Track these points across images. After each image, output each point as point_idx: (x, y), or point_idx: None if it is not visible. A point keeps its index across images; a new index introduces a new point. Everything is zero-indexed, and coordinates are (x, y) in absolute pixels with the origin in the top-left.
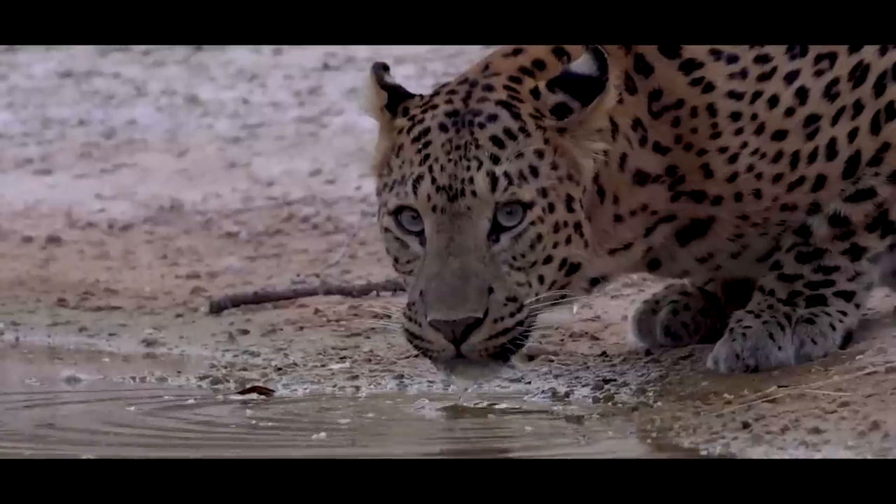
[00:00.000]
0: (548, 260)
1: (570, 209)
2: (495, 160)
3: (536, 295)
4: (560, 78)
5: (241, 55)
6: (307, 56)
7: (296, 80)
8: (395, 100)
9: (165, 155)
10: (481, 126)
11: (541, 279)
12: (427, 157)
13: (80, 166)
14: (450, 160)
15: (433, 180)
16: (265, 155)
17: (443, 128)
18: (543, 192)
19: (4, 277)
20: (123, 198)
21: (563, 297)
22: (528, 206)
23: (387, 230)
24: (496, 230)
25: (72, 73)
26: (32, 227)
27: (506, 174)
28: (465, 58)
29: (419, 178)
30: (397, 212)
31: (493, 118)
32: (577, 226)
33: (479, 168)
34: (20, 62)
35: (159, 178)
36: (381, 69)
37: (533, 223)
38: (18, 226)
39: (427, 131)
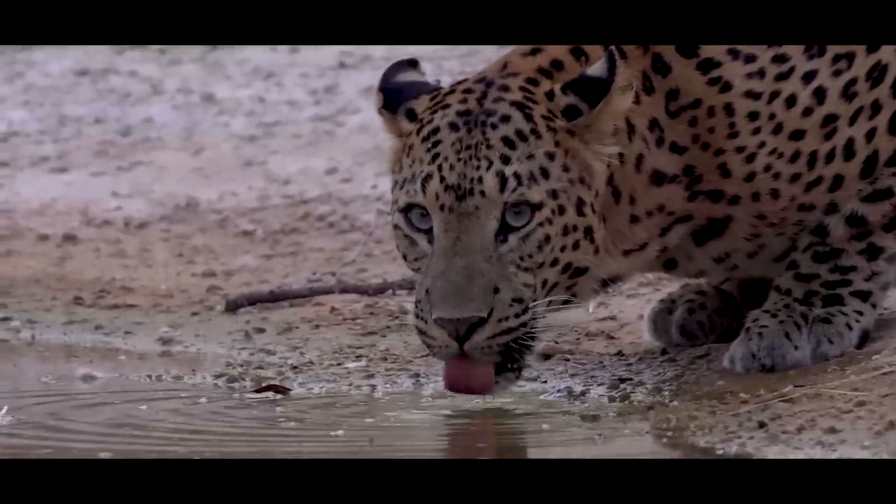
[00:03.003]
0: (553, 262)
1: (581, 213)
2: (505, 160)
3: (537, 298)
4: (574, 81)
5: (257, 54)
6: (323, 54)
7: (312, 78)
8: (396, 100)
9: (181, 153)
10: (493, 126)
11: (545, 282)
12: (437, 155)
13: (97, 164)
14: (459, 159)
15: (442, 179)
16: (281, 153)
17: (453, 127)
18: (554, 194)
19: (21, 275)
20: (139, 196)
21: (567, 301)
22: (536, 206)
23: (397, 227)
24: (504, 230)
25: (88, 71)
26: (48, 225)
27: (515, 174)
28: (481, 56)
29: (428, 176)
30: (407, 209)
31: (505, 119)
32: (588, 231)
33: (488, 168)
34: (36, 60)
35: (175, 176)
36: (400, 67)
37: (541, 224)
38: (35, 224)
39: (437, 130)
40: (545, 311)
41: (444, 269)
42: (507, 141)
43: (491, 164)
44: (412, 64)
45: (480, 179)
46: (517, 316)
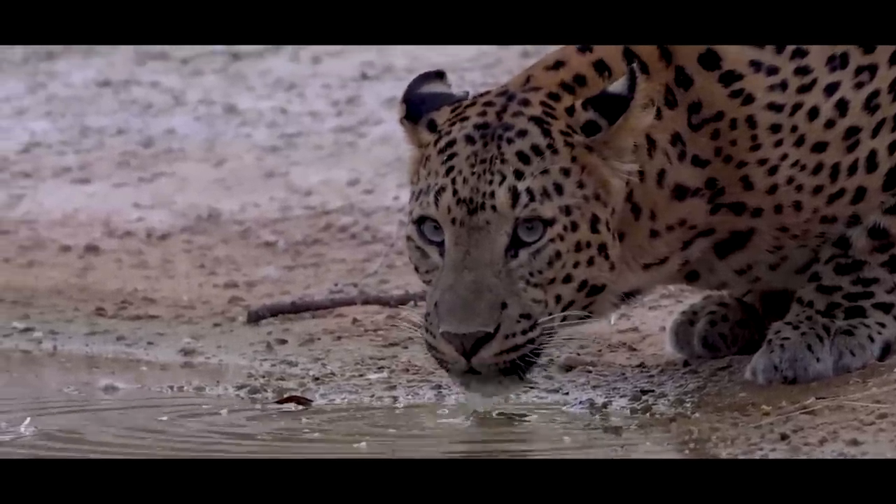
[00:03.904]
0: (567, 279)
1: (595, 230)
2: (519, 175)
3: (550, 314)
4: (595, 97)
5: (279, 64)
6: (345, 65)
7: (334, 89)
8: (418, 111)
9: (203, 164)
10: (510, 141)
11: (558, 298)
12: (451, 168)
13: (119, 175)
14: (473, 173)
15: (455, 192)
16: (303, 164)
17: (470, 140)
18: (567, 210)
19: (43, 286)
20: (161, 207)
21: (586, 317)
22: (549, 222)
23: (409, 239)
24: (515, 245)
25: (110, 82)
26: (71, 235)
27: (528, 190)
28: (503, 67)
29: (441, 189)
30: (420, 221)
31: (522, 134)
32: (602, 247)
33: (501, 183)
34: (59, 70)
35: (197, 187)
36: (426, 79)
37: (552, 240)
38: (57, 234)
39: (453, 143)
40: (559, 326)
41: (452, 282)
42: (521, 156)
43: (504, 178)
44: (439, 75)
45: (493, 194)
46: (524, 332)
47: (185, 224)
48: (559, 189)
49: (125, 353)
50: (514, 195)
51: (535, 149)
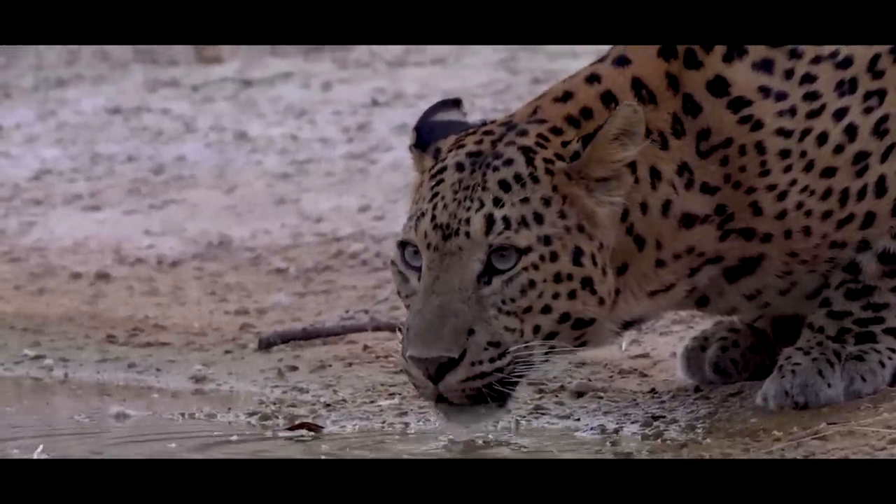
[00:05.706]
0: (545, 310)
1: (578, 262)
2: (497, 203)
3: (526, 343)
4: (592, 131)
5: (290, 91)
6: (356, 92)
7: (344, 116)
8: (428, 139)
9: (214, 191)
10: (495, 169)
11: (536, 328)
12: (436, 194)
13: (129, 202)
14: (454, 199)
15: (433, 217)
16: (314, 191)
17: (459, 167)
18: (546, 240)
19: (53, 313)
20: (172, 234)
21: (571, 350)
22: (523, 251)
23: (393, 263)
24: (489, 272)
25: (120, 109)
26: (81, 263)
27: (504, 218)
28: (513, 93)
29: (422, 214)
30: (402, 245)
31: (508, 162)
32: (587, 282)
33: (478, 210)
34: (69, 98)
35: (208, 214)
36: (442, 106)
37: (526, 269)
38: (67, 262)
39: (444, 169)
40: (530, 359)
41: (420, 307)
42: (503, 184)
43: (482, 205)
44: (455, 103)
45: (468, 220)
46: (493, 360)
47: (196, 251)
48: (539, 218)
49: (136, 381)
50: (490, 222)
51: (518, 177)
